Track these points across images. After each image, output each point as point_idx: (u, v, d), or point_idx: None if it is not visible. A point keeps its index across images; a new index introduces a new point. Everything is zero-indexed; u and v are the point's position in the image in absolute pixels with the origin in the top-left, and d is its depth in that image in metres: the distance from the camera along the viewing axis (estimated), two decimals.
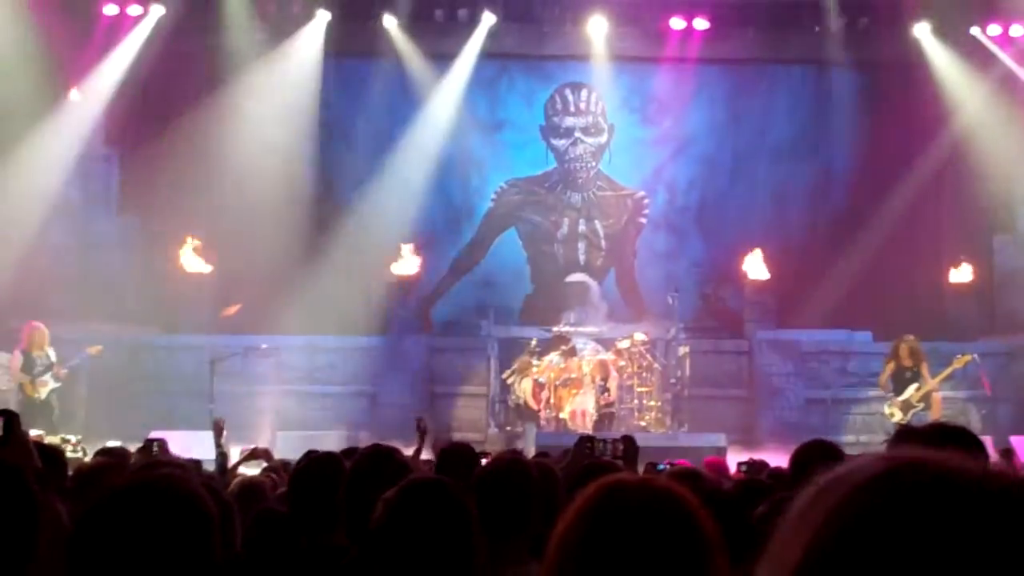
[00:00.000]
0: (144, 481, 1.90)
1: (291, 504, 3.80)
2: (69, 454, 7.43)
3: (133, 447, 7.19)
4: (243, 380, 13.18)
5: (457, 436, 12.19)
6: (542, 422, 12.91)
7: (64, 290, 13.13)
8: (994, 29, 15.54)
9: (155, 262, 14.16)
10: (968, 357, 12.23)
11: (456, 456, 4.61)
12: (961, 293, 15.18)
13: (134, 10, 14.91)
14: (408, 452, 6.23)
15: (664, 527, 1.55)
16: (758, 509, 3.24)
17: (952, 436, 2.53)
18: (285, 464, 6.32)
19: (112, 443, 7.49)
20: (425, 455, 7.31)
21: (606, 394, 13.09)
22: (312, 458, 3.95)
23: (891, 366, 12.02)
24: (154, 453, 6.70)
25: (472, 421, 13.79)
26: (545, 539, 1.64)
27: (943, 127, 15.30)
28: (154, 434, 8.75)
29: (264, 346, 13.53)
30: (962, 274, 15.14)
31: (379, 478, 3.15)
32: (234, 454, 7.21)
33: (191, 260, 14.17)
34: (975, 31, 15.50)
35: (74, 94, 14.43)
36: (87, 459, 7.23)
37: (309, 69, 15.70)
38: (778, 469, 5.70)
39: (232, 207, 14.60)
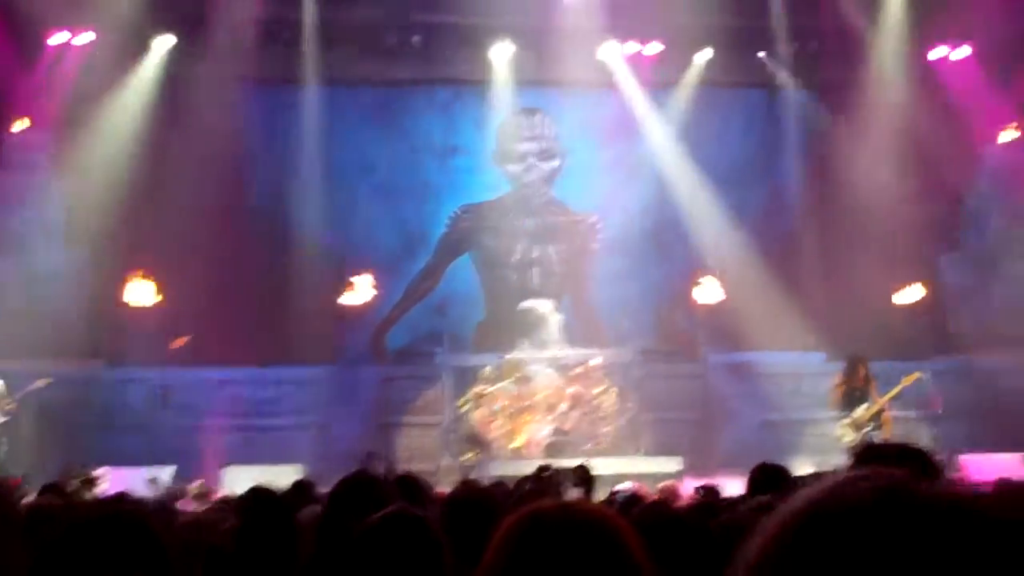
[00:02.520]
0: (102, 516, 1.89)
1: (238, 540, 3.82)
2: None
3: (78, 481, 7.13)
4: (191, 414, 13.08)
5: (410, 467, 12.15)
6: (495, 450, 12.90)
7: (10, 324, 12.97)
8: (940, 51, 15.89)
9: (102, 295, 14.04)
10: (917, 375, 12.33)
11: (405, 487, 4.61)
12: (910, 312, 15.37)
13: (81, 38, 14.81)
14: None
15: (586, 551, 1.53)
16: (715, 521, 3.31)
17: (911, 457, 2.59)
18: (230, 499, 6.30)
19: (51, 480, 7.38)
20: None
21: (561, 419, 13.10)
22: (258, 494, 3.98)
23: (841, 388, 12.12)
24: (95, 488, 6.65)
25: (425, 451, 13.76)
26: None
27: (890, 148, 15.54)
28: (101, 470, 8.66)
29: (213, 378, 13.42)
30: (911, 294, 15.36)
31: (360, 507, 3.17)
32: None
33: (138, 292, 14.05)
34: (929, 53, 15.82)
35: (18, 124, 14.29)
36: (31, 497, 7.15)
37: (259, 96, 15.67)
38: (731, 498, 5.76)
39: (179, 238, 14.54)
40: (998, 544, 0.84)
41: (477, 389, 13.39)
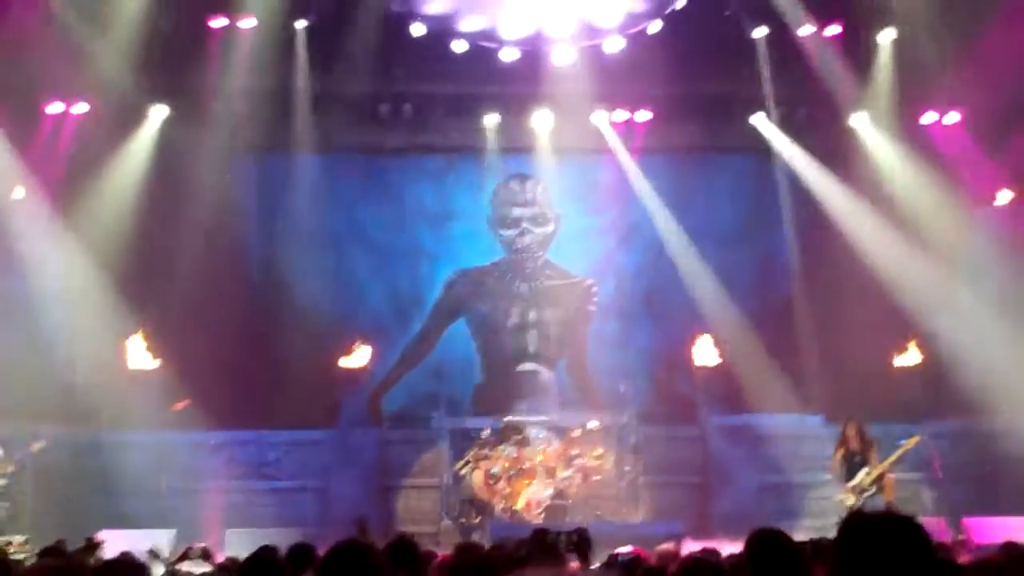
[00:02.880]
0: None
1: None
2: (15, 555, 7.27)
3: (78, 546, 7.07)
4: (192, 477, 13.05)
5: (410, 529, 12.09)
6: (497, 512, 12.85)
7: (10, 388, 12.95)
8: (929, 116, 16.11)
9: (101, 359, 14.05)
10: (917, 438, 12.33)
11: (400, 551, 4.58)
12: (909, 375, 15.40)
13: (78, 108, 15.00)
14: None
15: None
16: None
17: (898, 525, 2.57)
18: (233, 562, 6.29)
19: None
20: None
21: (561, 483, 13.07)
22: (261, 558, 3.98)
23: (841, 451, 12.09)
24: (97, 554, 6.60)
25: (425, 513, 13.70)
26: None
27: (881, 213, 15.67)
28: (102, 534, 8.59)
29: (213, 442, 13.41)
30: (909, 356, 15.39)
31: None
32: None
33: (137, 356, 14.07)
34: (918, 119, 16.05)
35: (17, 191, 14.42)
36: (32, 560, 7.09)
37: (254, 164, 15.84)
38: (731, 556, 5.75)
39: (177, 303, 14.59)
40: None
41: (475, 452, 13.38)
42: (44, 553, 6.18)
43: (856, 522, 2.72)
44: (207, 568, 6.24)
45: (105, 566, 1.79)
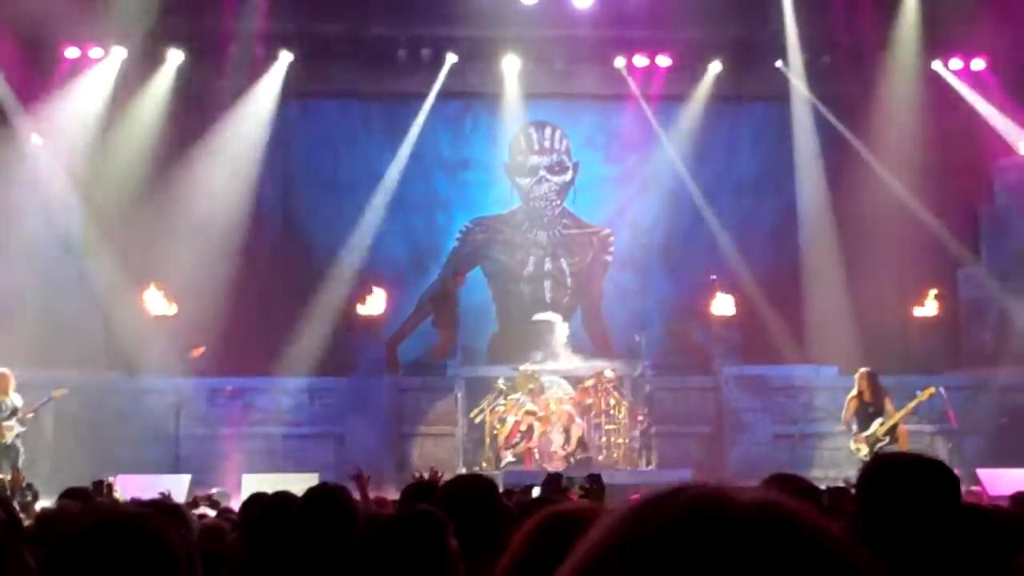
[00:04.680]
0: (109, 520, 1.82)
1: (244, 545, 3.98)
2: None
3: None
4: (208, 423, 13.28)
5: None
6: (511, 458, 13.03)
7: (27, 334, 13.17)
8: (955, 63, 15.98)
9: (119, 305, 14.23)
10: (932, 390, 12.34)
11: (419, 495, 4.72)
12: (926, 327, 15.41)
13: (95, 52, 15.07)
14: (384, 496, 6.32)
15: None
16: None
17: (926, 468, 2.57)
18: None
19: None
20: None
21: (575, 431, 13.22)
22: (261, 500, 4.13)
23: (854, 402, 12.11)
24: (104, 494, 6.78)
25: (440, 460, 13.85)
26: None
27: (906, 161, 15.61)
28: (120, 478, 8.79)
29: (229, 388, 13.60)
30: (927, 308, 15.40)
31: (326, 520, 3.32)
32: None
33: (155, 302, 14.25)
34: (936, 66, 15.93)
35: (35, 137, 14.54)
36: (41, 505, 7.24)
37: (271, 111, 15.89)
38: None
39: (197, 249, 14.72)
40: (818, 557, 0.80)
41: (490, 400, 13.52)
42: (64, 495, 6.32)
43: (883, 464, 2.69)
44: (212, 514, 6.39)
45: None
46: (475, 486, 3.48)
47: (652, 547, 0.81)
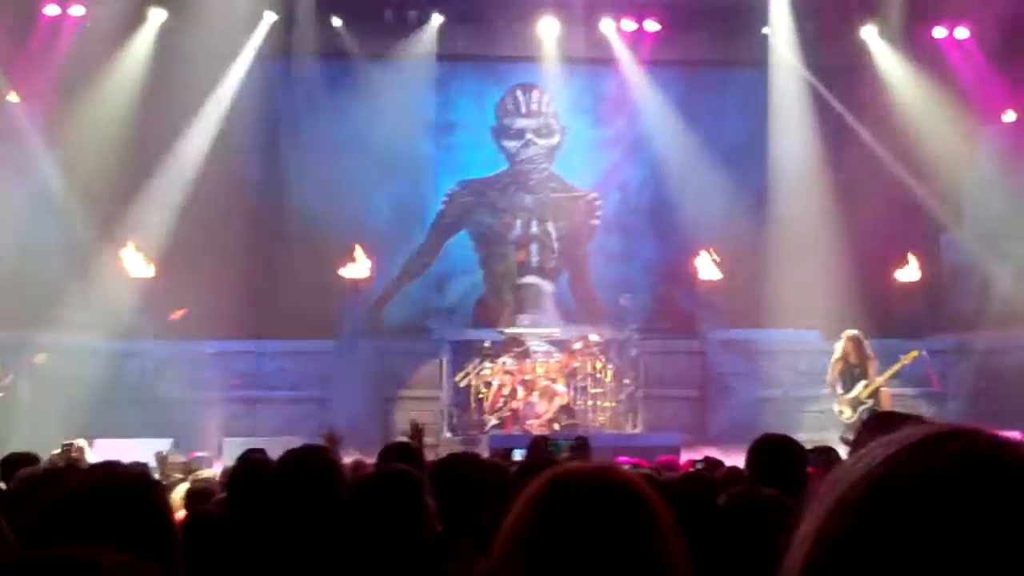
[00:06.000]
0: (105, 483, 1.82)
1: (229, 506, 3.89)
2: None
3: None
4: (190, 386, 13.05)
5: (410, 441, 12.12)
6: (494, 422, 12.91)
7: (4, 295, 12.88)
8: (939, 31, 15.78)
9: (98, 266, 13.95)
10: (915, 353, 12.33)
11: (397, 454, 4.58)
12: (909, 291, 15.35)
13: (76, 11, 14.67)
14: (364, 459, 6.18)
15: (615, 512, 1.50)
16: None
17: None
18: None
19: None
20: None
21: (561, 395, 13.12)
22: (246, 460, 4.04)
23: (839, 365, 12.08)
24: (73, 456, 6.57)
25: (425, 425, 13.70)
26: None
27: (889, 128, 15.44)
28: (98, 442, 8.56)
29: (211, 351, 13.38)
30: (910, 272, 15.35)
31: (305, 478, 3.23)
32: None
33: (135, 264, 13.99)
34: (920, 32, 15.75)
35: (12, 96, 14.18)
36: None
37: (253, 71, 15.56)
38: (734, 468, 5.71)
39: (177, 210, 14.44)
40: None
41: (476, 364, 13.41)
42: (8, 462, 5.77)
43: (878, 421, 2.67)
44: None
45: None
46: (463, 466, 3.39)
47: (942, 484, 0.74)
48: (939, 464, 0.76)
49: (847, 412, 11.92)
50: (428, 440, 12.33)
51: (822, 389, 13.07)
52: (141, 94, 14.75)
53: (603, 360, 13.65)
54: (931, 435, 0.79)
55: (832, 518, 0.76)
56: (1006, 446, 0.78)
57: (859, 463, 0.78)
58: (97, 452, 8.70)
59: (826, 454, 5.05)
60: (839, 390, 12.06)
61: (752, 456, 4.03)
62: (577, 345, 13.59)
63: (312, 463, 3.43)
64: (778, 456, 3.90)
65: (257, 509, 3.55)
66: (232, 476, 3.97)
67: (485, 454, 9.33)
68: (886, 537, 0.73)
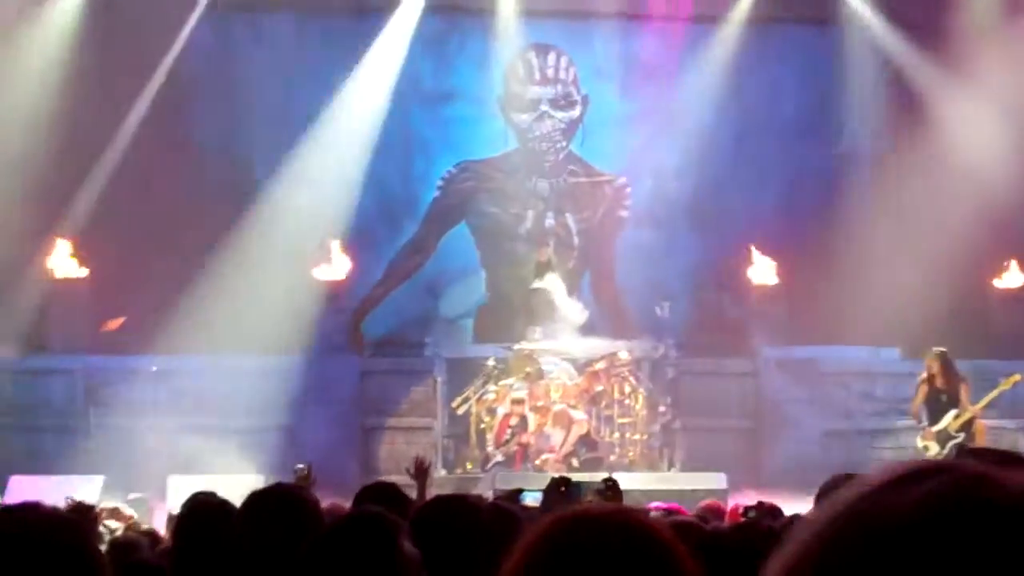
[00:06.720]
0: (21, 529, 1.84)
1: (174, 556, 3.95)
2: None
3: None
4: (128, 411, 13.07)
5: (396, 480, 12.11)
6: (499, 458, 12.97)
7: None
8: None
9: (17, 266, 13.99)
10: (1017, 377, 12.44)
11: (377, 495, 4.55)
12: (1010, 301, 15.40)
13: None
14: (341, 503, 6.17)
15: (630, 566, 1.52)
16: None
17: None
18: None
19: None
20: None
21: (581, 425, 13.15)
22: (199, 503, 4.09)
23: (924, 389, 12.17)
24: None
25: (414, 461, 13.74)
26: None
27: (991, 101, 15.43)
28: (13, 479, 8.53)
29: (154, 368, 13.42)
30: (1011, 279, 15.35)
31: (280, 528, 3.30)
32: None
33: (62, 263, 14.03)
34: None
35: None
36: None
37: (210, 29, 15.62)
38: (797, 517, 5.64)
39: (116, 198, 14.51)
40: None
41: (477, 386, 13.44)
42: None
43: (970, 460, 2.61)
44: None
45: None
46: (449, 510, 3.45)
47: (907, 531, 0.82)
48: (906, 505, 0.83)
49: (933, 448, 12.01)
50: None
51: (901, 420, 13.29)
52: (72, 58, 14.87)
53: (633, 383, 13.69)
54: (910, 472, 0.87)
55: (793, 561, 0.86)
56: (994, 481, 0.85)
57: (834, 505, 0.88)
58: (11, 492, 8.71)
59: None
60: (924, 421, 12.15)
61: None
62: (601, 364, 13.61)
63: (287, 509, 3.42)
64: None
65: (210, 565, 3.56)
66: (179, 523, 3.99)
67: (489, 496, 9.29)
68: None
